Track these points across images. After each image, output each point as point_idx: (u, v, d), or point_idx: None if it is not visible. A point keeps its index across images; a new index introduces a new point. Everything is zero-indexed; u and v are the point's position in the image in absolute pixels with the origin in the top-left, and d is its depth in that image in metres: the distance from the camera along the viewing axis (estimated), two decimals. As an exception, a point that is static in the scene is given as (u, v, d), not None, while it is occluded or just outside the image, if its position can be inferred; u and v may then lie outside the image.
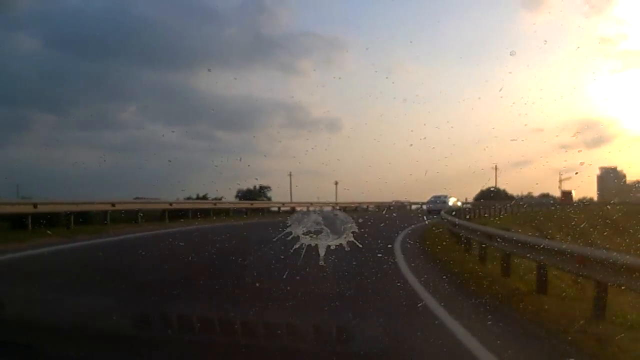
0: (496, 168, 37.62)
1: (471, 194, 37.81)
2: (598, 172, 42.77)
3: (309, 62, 51.72)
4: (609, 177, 42.81)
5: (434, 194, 35.20)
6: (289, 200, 28.53)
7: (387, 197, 30.84)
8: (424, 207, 31.33)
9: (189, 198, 24.47)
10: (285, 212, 26.73)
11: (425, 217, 24.39)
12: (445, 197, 33.43)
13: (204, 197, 25.25)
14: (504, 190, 41.76)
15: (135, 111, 46.42)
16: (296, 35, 50.14)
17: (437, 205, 30.90)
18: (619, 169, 42.68)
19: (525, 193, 41.67)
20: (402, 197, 30.85)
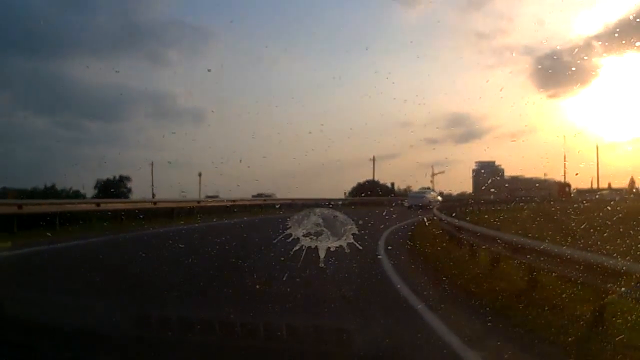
0: (374, 159, 36.28)
1: (349, 187, 35.42)
2: (474, 166, 42.25)
3: (177, 52, 50.01)
4: (487, 172, 42.26)
5: (414, 190, 33.93)
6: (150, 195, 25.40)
7: (256, 191, 28.64)
8: (405, 203, 29.91)
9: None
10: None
11: None
12: (424, 193, 32.12)
13: (52, 188, 23.39)
14: (392, 185, 39.71)
15: (4, 99, 44.76)
16: (166, 24, 48.14)
17: (417, 200, 30.07)
18: (497, 163, 42.21)
19: (403, 187, 40.07)
20: (271, 191, 28.11)
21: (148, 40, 48.41)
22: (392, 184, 39.76)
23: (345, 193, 33.47)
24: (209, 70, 41.36)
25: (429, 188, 33.61)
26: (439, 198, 32.44)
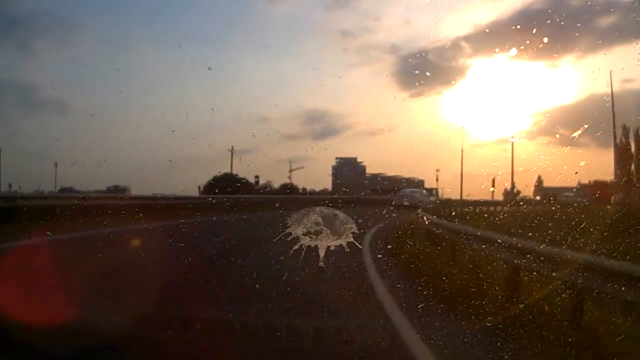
0: (232, 150, 34.65)
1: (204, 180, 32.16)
2: (334, 162, 41.87)
3: (45, 42, 49.41)
4: (348, 168, 41.90)
5: (404, 188, 31.51)
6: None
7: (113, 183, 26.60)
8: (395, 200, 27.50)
9: None
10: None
11: None
12: (413, 192, 29.70)
13: None
14: (256, 180, 34.91)
15: None
16: (35, 14, 47.79)
17: (406, 199, 26.94)
18: (358, 159, 41.81)
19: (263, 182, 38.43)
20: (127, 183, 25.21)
21: (18, 30, 46.75)
22: (256, 179, 36.99)
23: (199, 187, 29.84)
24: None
25: (428, 188, 31.82)
26: (432, 198, 30.69)
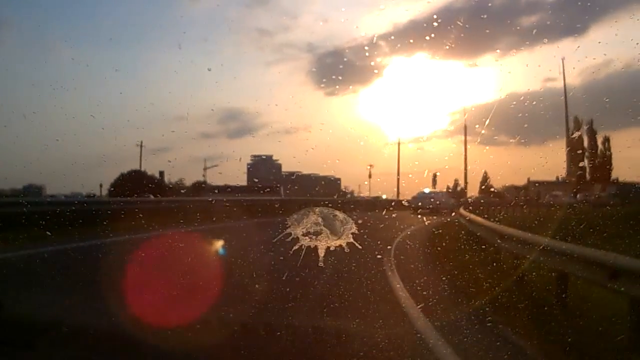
0: (141, 145, 33.29)
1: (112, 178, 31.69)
2: (250, 160, 41.49)
3: None
4: (264, 166, 41.52)
5: (421, 190, 28.33)
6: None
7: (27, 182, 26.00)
8: (414, 203, 24.92)
9: None
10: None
11: None
12: (436, 192, 26.99)
13: None
14: (160, 176, 33.65)
15: None
16: None
17: (426, 202, 24.69)
18: (274, 157, 41.44)
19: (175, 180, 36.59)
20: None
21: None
22: (161, 173, 34.39)
23: (101, 185, 28.45)
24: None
25: (440, 191, 29.31)
26: (452, 201, 28.23)
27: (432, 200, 26.15)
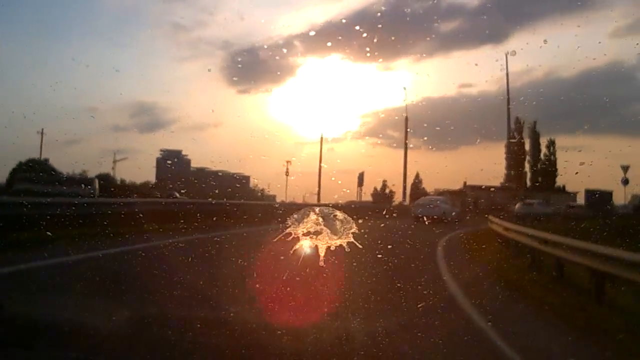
0: (42, 133, 32.15)
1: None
2: (159, 154, 41.04)
3: None
4: (173, 161, 41.13)
5: (425, 196, 28.09)
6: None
7: None
8: (416, 211, 23.01)
9: None
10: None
11: None
12: (438, 199, 25.44)
13: None
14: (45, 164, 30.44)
15: None
16: None
17: (428, 210, 22.73)
18: (183, 153, 41.04)
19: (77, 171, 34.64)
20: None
21: None
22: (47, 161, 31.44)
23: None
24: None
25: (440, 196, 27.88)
26: (456, 209, 26.38)
27: (436, 208, 23.93)
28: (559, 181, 54.51)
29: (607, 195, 36.89)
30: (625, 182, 43.08)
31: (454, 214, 24.19)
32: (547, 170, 54.11)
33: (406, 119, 25.45)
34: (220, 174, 24.71)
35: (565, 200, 41.06)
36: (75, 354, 3.62)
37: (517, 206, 31.09)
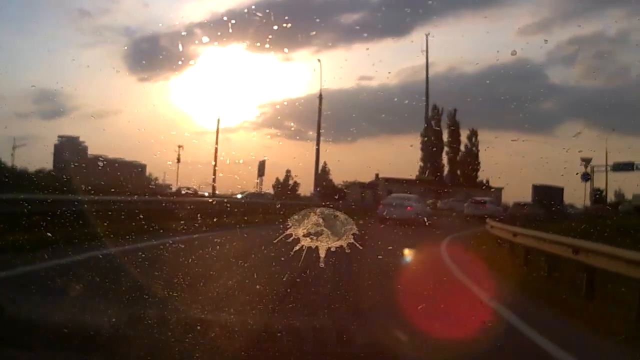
0: None
1: None
2: (56, 141, 40.71)
3: None
4: (69, 148, 40.80)
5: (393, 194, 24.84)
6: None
7: None
8: (382, 212, 20.37)
9: None
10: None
11: None
12: (409, 197, 22.43)
13: None
14: None
15: None
16: None
17: (398, 211, 19.89)
18: (81, 139, 40.77)
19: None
20: None
21: None
22: None
23: None
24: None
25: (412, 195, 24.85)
26: (428, 208, 24.37)
27: (409, 208, 20.89)
28: (482, 175, 50.13)
29: (558, 192, 32.99)
30: (586, 178, 41.70)
31: (427, 215, 21.61)
32: (468, 163, 49.89)
33: (320, 103, 24.85)
34: (116, 163, 24.15)
35: (488, 196, 36.97)
36: (75, 354, 3.62)
37: (466, 206, 28.84)
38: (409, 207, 20.85)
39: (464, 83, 48.78)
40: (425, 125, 45.38)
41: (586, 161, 38.85)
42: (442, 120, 50.23)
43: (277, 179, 37.34)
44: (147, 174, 36.57)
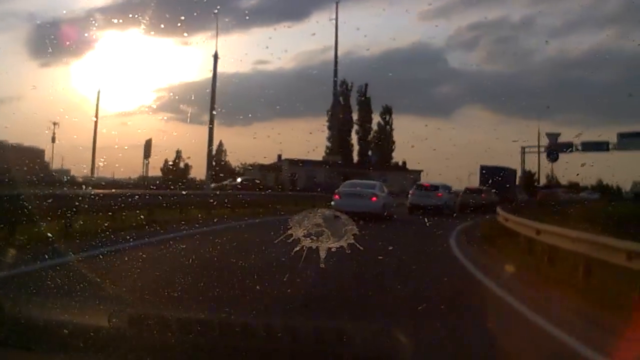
0: None
1: None
2: None
3: None
4: None
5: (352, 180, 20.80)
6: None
7: None
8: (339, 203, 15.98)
9: None
10: None
11: None
12: (371, 188, 18.16)
13: None
14: None
15: None
16: None
17: (357, 203, 15.89)
18: None
19: None
20: None
21: None
22: None
23: None
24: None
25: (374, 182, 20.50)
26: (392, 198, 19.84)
27: (372, 197, 17.24)
28: (397, 157, 46.47)
29: (510, 174, 29.68)
30: (552, 156, 40.04)
31: (387, 205, 18.22)
32: (382, 142, 45.67)
33: (213, 91, 24.00)
34: (15, 147, 23.84)
35: (404, 179, 33.50)
36: (75, 354, 3.62)
37: (411, 194, 22.57)
38: (373, 198, 17.21)
39: (364, 67, 47.94)
40: (334, 100, 42.11)
41: (552, 136, 37.76)
42: (351, 97, 46.10)
43: (166, 161, 36.36)
44: (47, 159, 36.37)
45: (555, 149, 39.99)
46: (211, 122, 25.83)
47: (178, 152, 34.25)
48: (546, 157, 39.28)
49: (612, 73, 61.29)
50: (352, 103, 46.37)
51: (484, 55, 63.19)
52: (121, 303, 5.43)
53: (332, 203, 16.49)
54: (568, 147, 40.49)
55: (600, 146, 40.33)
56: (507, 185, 25.98)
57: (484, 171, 29.28)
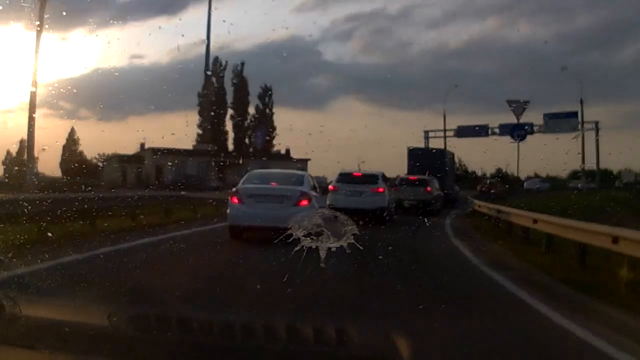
0: None
1: None
2: None
3: None
4: None
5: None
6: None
7: None
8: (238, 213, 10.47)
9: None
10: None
11: None
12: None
13: None
14: None
15: None
16: None
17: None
18: None
19: None
20: None
21: None
22: None
23: None
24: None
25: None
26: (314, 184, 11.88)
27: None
28: (279, 145, 41.60)
29: (449, 159, 23.21)
30: (521, 136, 35.52)
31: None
32: (261, 127, 40.05)
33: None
34: None
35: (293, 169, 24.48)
36: (75, 354, 3.61)
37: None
38: (302, 202, 10.40)
39: (238, 59, 46.34)
40: (205, 81, 35.75)
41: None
42: (225, 77, 39.44)
43: (8, 152, 34.87)
44: None
45: (520, 126, 36.19)
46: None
47: (22, 142, 30.24)
48: (514, 137, 35.67)
49: (491, 62, 61.98)
50: (227, 85, 40.07)
51: (360, 47, 65.08)
52: None
53: (229, 213, 10.82)
54: (484, 130, 38.09)
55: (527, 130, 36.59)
56: (444, 173, 19.24)
57: (415, 156, 22.21)
